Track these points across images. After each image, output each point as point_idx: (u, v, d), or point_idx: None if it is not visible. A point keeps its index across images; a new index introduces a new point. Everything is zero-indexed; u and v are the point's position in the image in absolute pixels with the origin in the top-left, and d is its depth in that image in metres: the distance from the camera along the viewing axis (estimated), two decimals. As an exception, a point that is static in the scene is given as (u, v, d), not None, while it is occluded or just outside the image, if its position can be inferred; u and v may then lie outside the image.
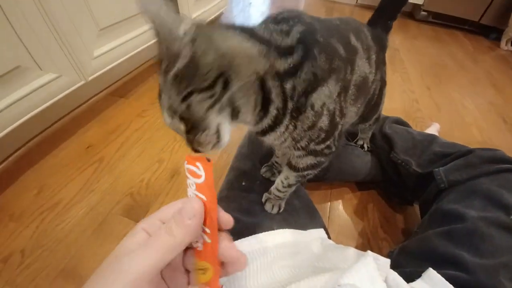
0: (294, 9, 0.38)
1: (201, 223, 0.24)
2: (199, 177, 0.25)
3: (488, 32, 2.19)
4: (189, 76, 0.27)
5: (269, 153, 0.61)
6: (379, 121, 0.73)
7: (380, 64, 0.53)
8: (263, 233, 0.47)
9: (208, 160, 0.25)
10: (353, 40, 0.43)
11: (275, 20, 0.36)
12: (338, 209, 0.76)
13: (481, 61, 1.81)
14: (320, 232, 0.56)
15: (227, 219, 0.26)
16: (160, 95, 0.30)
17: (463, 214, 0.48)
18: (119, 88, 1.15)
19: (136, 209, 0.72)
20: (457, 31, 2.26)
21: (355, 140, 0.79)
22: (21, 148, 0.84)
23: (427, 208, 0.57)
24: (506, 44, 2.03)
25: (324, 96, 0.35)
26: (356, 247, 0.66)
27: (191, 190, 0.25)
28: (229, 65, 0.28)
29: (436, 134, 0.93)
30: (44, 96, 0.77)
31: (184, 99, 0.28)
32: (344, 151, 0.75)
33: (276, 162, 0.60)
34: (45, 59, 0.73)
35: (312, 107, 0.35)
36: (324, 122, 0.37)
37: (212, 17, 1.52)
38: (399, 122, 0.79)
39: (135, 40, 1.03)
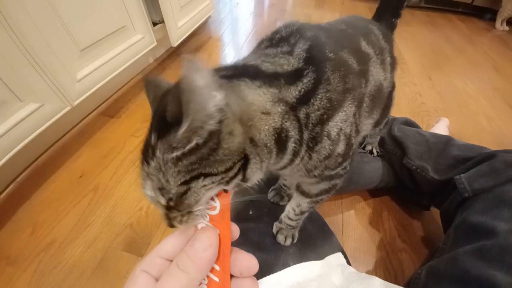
0: (291, 22, 0.33)
1: (216, 254, 0.21)
2: (214, 209, 0.23)
3: (482, 13, 2.15)
4: (201, 159, 0.21)
5: (275, 174, 0.57)
6: (388, 124, 0.68)
7: (394, 63, 0.48)
8: (281, 272, 0.43)
9: (225, 191, 0.24)
10: (364, 45, 0.38)
11: (272, 41, 0.31)
12: (352, 221, 0.72)
13: (478, 44, 1.76)
14: (338, 257, 0.52)
15: (251, 265, 0.22)
16: (144, 161, 0.23)
17: (492, 228, 0.44)
18: (109, 107, 1.09)
19: (137, 242, 0.67)
20: (450, 15, 2.21)
21: (363, 146, 0.74)
22: (10, 185, 0.79)
23: (450, 218, 0.53)
24: (501, 25, 1.98)
25: (341, 121, 0.30)
26: (376, 263, 0.64)
27: (203, 222, 0.23)
28: (251, 137, 0.24)
29: (446, 129, 0.89)
30: (28, 129, 0.71)
31: (185, 183, 0.22)
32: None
33: (284, 185, 0.55)
34: (24, 89, 0.68)
35: (329, 136, 0.30)
36: (341, 147, 0.32)
37: (199, 23, 1.46)
38: (408, 123, 0.74)
39: (120, 56, 0.97)
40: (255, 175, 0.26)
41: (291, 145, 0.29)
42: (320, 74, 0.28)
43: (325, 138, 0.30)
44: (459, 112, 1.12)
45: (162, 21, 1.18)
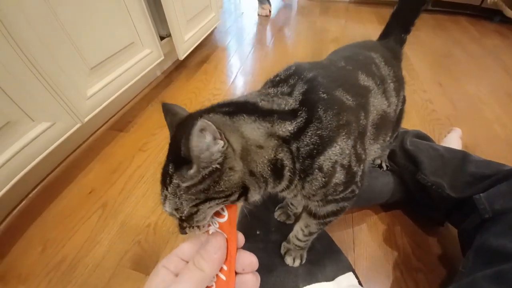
0: (292, 65, 0.37)
1: (224, 256, 0.25)
2: (222, 217, 0.28)
3: (492, 15, 2.10)
4: (208, 188, 0.26)
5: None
6: (397, 137, 0.67)
7: (400, 84, 0.48)
8: None
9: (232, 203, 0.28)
10: (363, 79, 0.39)
11: (273, 83, 0.35)
12: (363, 238, 0.70)
13: (489, 47, 1.72)
14: (350, 278, 0.50)
15: (252, 261, 0.27)
16: (163, 185, 0.28)
17: (510, 252, 0.41)
18: (117, 121, 1.11)
19: (145, 260, 0.67)
20: (459, 17, 2.17)
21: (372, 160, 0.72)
22: (22, 202, 0.81)
23: (469, 239, 0.51)
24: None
25: (335, 155, 0.32)
26: (389, 283, 0.61)
27: (214, 228, 0.28)
28: (251, 170, 0.28)
29: (459, 140, 0.86)
30: (40, 147, 0.73)
31: (195, 206, 0.26)
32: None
33: (291, 204, 0.54)
34: (36, 109, 0.70)
35: (321, 169, 0.32)
36: (338, 178, 0.34)
37: (205, 35, 1.48)
38: (420, 136, 0.72)
39: (128, 72, 0.99)
40: (254, 197, 0.31)
41: (287, 173, 0.32)
42: (311, 114, 0.31)
43: (317, 170, 0.32)
44: (472, 120, 1.09)
45: (169, 35, 1.20)
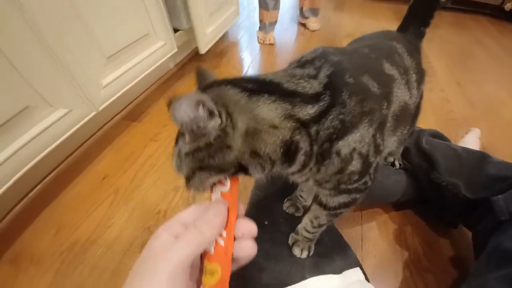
0: (318, 48, 0.36)
1: (225, 222, 0.26)
2: (225, 186, 0.29)
3: (515, 15, 2.01)
4: (204, 158, 0.27)
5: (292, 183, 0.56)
6: (412, 135, 0.65)
7: (421, 77, 0.47)
8: (298, 284, 0.42)
9: None
10: (387, 67, 0.38)
11: (299, 63, 0.34)
12: (372, 236, 0.69)
13: (509, 47, 1.64)
14: (357, 273, 0.49)
15: (251, 228, 0.28)
16: (175, 143, 0.31)
17: None
18: (131, 111, 1.13)
19: (154, 246, 0.69)
20: (480, 16, 2.08)
21: (384, 157, 0.71)
22: (37, 186, 0.83)
23: (483, 241, 0.49)
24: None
25: (354, 142, 0.31)
26: (398, 283, 0.60)
27: (216, 195, 0.29)
28: (254, 150, 0.28)
29: (477, 141, 0.83)
30: (57, 133, 0.75)
31: (192, 171, 0.28)
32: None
33: (301, 196, 0.54)
34: (54, 96, 0.72)
35: (338, 154, 0.31)
36: (355, 166, 0.33)
37: (227, 28, 1.48)
38: (437, 135, 0.70)
39: (142, 63, 1.00)
40: (257, 176, 0.31)
41: (300, 157, 0.31)
42: (335, 98, 0.30)
43: (334, 155, 0.31)
44: (490, 121, 1.04)
45: (183, 28, 1.21)
